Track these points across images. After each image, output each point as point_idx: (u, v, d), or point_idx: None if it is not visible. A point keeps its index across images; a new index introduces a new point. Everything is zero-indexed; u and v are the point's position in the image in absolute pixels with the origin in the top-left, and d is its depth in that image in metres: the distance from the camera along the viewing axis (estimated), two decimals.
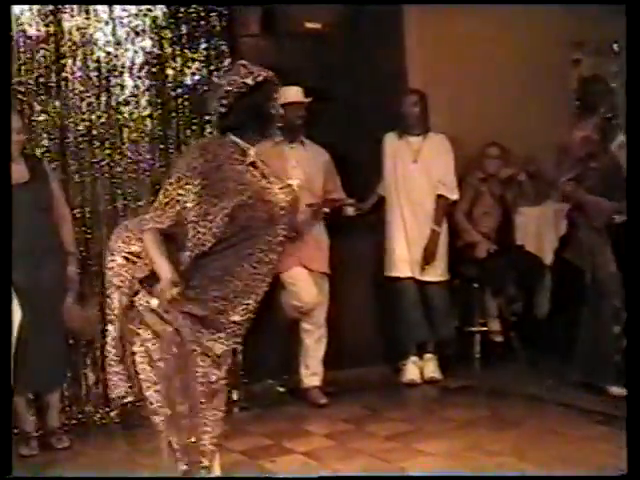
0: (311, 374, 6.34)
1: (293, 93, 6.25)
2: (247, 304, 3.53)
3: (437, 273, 6.74)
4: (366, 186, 6.82)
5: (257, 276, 3.52)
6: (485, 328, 7.06)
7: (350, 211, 6.58)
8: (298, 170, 6.26)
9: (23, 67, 6.07)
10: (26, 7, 6.04)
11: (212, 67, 6.49)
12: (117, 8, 6.25)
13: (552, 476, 4.57)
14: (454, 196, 6.77)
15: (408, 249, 6.69)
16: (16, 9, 5.94)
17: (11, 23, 3.40)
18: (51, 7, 6.11)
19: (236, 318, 3.53)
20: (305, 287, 6.21)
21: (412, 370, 6.69)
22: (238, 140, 3.62)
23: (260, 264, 3.52)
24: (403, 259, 6.69)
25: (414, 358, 6.72)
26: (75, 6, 6.15)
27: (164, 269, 3.43)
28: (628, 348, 5.15)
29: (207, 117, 6.29)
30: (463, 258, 6.96)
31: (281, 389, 6.63)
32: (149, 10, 6.34)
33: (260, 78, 3.58)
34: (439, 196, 6.70)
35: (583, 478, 4.45)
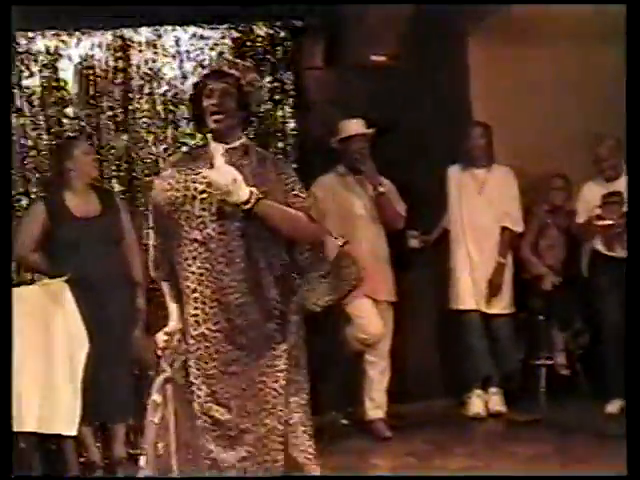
0: (375, 407, 6.31)
1: (355, 125, 6.28)
2: None
3: (502, 305, 6.69)
4: (431, 218, 6.81)
5: None
6: (551, 361, 6.97)
7: (415, 243, 6.61)
8: (362, 200, 6.29)
9: (92, 101, 6.19)
10: (96, 41, 6.18)
11: (276, 99, 6.54)
12: (184, 42, 6.35)
13: (552, 476, 4.47)
14: (519, 228, 6.73)
15: (473, 281, 6.65)
16: (87, 45, 6.07)
17: (11, 23, 3.45)
18: (120, 42, 6.23)
19: None
20: (371, 319, 6.20)
21: (477, 403, 6.63)
22: None
23: None
24: (468, 291, 6.65)
25: (479, 391, 6.67)
26: (144, 41, 6.26)
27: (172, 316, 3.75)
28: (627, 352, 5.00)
29: (272, 149, 6.35)
30: (529, 290, 6.90)
31: (345, 422, 6.60)
32: (215, 45, 6.42)
33: None
34: (504, 228, 6.66)
35: (583, 478, 4.35)
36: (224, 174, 3.49)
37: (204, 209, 3.57)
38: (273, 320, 3.61)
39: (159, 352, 3.61)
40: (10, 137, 3.29)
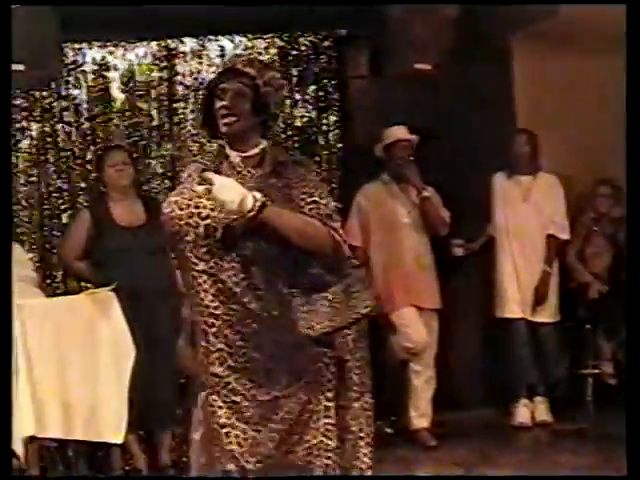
0: (420, 415, 6.29)
1: (398, 132, 6.31)
2: None
3: (548, 314, 6.65)
4: (476, 226, 6.78)
5: None
6: (598, 370, 6.91)
7: (459, 251, 6.59)
8: (407, 208, 6.29)
9: (137, 111, 6.25)
10: (141, 51, 6.25)
11: (321, 108, 6.56)
12: (229, 52, 6.39)
13: (552, 476, 4.42)
14: (565, 236, 6.69)
15: (519, 290, 6.61)
16: (133, 55, 6.13)
17: (11, 23, 3.44)
18: (165, 52, 6.29)
19: None
20: (416, 328, 6.19)
21: (523, 412, 6.59)
22: None
23: None
24: (514, 300, 6.62)
25: (525, 400, 6.62)
26: (189, 50, 6.30)
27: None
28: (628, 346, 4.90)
29: (316, 158, 6.37)
30: (575, 299, 6.84)
31: (389, 430, 6.59)
32: (260, 54, 6.44)
33: None
34: (550, 236, 6.62)
35: (583, 478, 4.28)
36: (228, 191, 3.06)
37: (209, 236, 3.17)
38: (306, 340, 3.19)
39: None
40: (10, 138, 3.27)
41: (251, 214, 3.05)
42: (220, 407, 3.21)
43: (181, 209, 3.20)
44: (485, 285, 6.82)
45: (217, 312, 3.19)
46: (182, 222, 3.18)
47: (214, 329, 3.21)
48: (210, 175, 3.10)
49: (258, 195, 3.07)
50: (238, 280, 3.17)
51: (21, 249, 5.85)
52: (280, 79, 3.35)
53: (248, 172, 3.26)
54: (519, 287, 6.62)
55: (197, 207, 3.18)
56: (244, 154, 3.29)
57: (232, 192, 3.04)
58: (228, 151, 3.32)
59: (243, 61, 3.31)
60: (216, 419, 3.20)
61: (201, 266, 3.21)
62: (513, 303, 6.62)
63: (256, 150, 3.29)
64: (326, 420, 3.23)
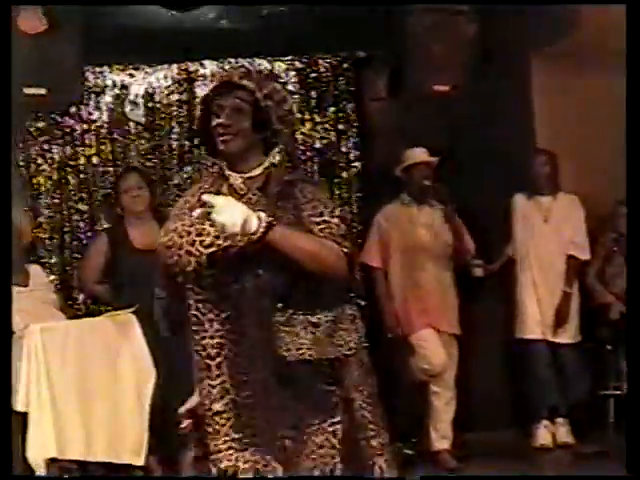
0: (441, 437, 6.26)
1: (418, 154, 6.31)
2: None
3: (569, 335, 6.61)
4: (495, 247, 6.77)
5: None
6: (619, 392, 6.86)
7: (479, 272, 6.55)
8: (427, 230, 6.29)
9: (157, 133, 6.29)
10: (161, 75, 6.28)
11: (340, 130, 6.57)
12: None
13: (552, 476, 4.37)
14: (585, 256, 6.66)
15: (539, 310, 6.59)
16: (153, 78, 6.17)
17: (11, 23, 3.44)
18: (185, 75, 6.33)
19: None
20: (435, 350, 6.17)
21: (544, 434, 6.55)
22: None
23: None
24: (534, 320, 6.59)
25: (546, 422, 6.58)
26: (209, 74, 6.34)
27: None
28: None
29: (336, 180, 6.38)
30: (596, 319, 6.81)
31: (410, 452, 6.56)
32: (278, 76, 6.46)
33: None
34: (570, 256, 6.60)
35: (583, 478, 4.23)
36: (229, 212, 2.79)
37: (213, 264, 2.92)
38: (315, 370, 2.96)
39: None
40: (10, 141, 3.28)
41: (256, 236, 2.80)
42: (219, 450, 3.02)
43: (181, 236, 2.95)
44: (505, 306, 6.80)
45: (221, 343, 2.97)
46: (182, 251, 2.93)
47: (218, 360, 2.99)
48: (208, 197, 2.81)
49: (263, 215, 2.82)
50: (245, 311, 2.94)
51: (41, 271, 5.87)
52: (282, 91, 3.08)
53: (253, 195, 3.01)
54: (539, 308, 6.59)
55: (199, 234, 2.92)
56: (246, 175, 3.04)
57: (234, 213, 2.77)
58: (228, 172, 3.07)
59: (240, 73, 3.06)
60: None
61: (204, 296, 2.98)
62: (533, 324, 6.59)
63: (259, 170, 3.05)
64: (336, 460, 2.99)
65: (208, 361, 3.01)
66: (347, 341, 2.97)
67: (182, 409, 3.24)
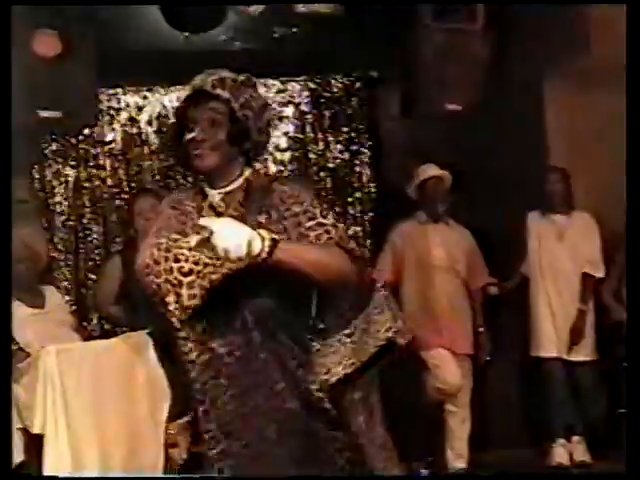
0: (456, 456, 6.24)
1: (430, 169, 6.31)
2: None
3: (585, 353, 6.58)
4: (510, 265, 6.74)
5: None
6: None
7: (493, 290, 6.54)
8: (442, 250, 6.27)
9: (171, 152, 6.30)
10: (174, 97, 6.30)
11: (353, 150, 6.58)
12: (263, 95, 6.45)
13: (552, 475, 4.32)
14: (600, 274, 6.63)
15: (554, 329, 6.55)
16: (166, 99, 6.19)
17: (11, 23, 3.43)
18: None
19: None
20: (450, 369, 6.15)
21: (560, 453, 6.50)
22: None
23: None
24: (549, 339, 6.55)
25: (562, 440, 6.53)
26: None
27: None
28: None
29: (349, 199, 6.39)
30: (611, 337, 6.77)
31: (425, 472, 6.53)
32: (292, 97, 6.50)
33: None
34: (585, 274, 6.57)
35: (583, 478, 4.19)
36: (232, 234, 2.49)
37: (194, 296, 2.60)
38: (317, 407, 2.69)
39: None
40: (10, 140, 3.28)
41: (262, 257, 2.51)
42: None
43: (157, 263, 2.63)
44: (520, 324, 6.77)
45: (206, 387, 2.66)
46: (160, 280, 2.62)
47: (204, 407, 2.69)
48: (206, 221, 2.52)
49: (264, 232, 2.54)
50: (234, 347, 2.65)
51: (57, 292, 5.88)
52: (260, 99, 2.81)
53: (234, 211, 2.72)
54: (554, 326, 6.55)
55: (177, 260, 2.62)
56: (224, 190, 2.76)
57: (237, 235, 2.49)
58: (207, 189, 2.79)
59: (213, 81, 2.74)
60: None
61: (185, 332, 2.67)
62: (548, 342, 6.55)
63: (237, 183, 2.77)
64: None
65: (195, 405, 2.74)
66: (384, 324, 2.72)
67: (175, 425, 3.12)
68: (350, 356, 2.66)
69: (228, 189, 2.77)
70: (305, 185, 2.89)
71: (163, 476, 3.65)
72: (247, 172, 2.79)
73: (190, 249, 2.54)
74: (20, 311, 5.28)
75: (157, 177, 6.57)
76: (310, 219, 2.70)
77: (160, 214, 2.84)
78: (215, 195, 2.77)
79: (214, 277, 2.60)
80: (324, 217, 2.72)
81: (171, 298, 2.61)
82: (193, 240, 2.50)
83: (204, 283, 2.60)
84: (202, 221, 2.54)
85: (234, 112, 2.71)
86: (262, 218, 2.67)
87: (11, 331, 4.29)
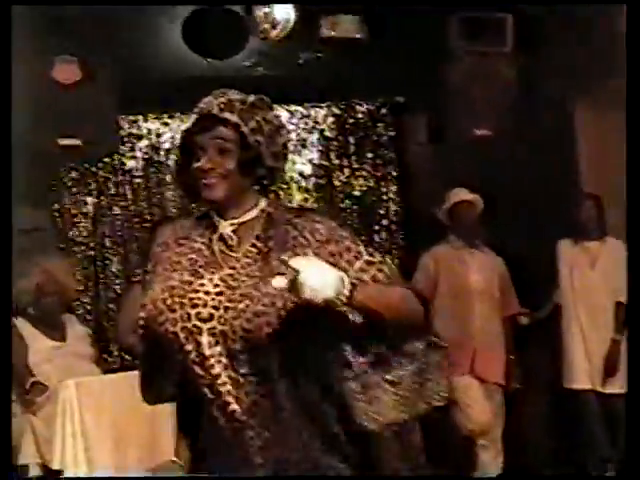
0: None
1: (461, 193, 6.22)
2: None
3: (620, 385, 6.38)
4: (541, 294, 6.60)
5: None
6: None
7: (524, 320, 6.43)
8: (480, 275, 6.19)
9: (178, 182, 6.22)
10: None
11: (379, 176, 6.49)
12: (284, 121, 6.37)
13: (552, 475, 4.16)
14: None
15: (587, 359, 6.38)
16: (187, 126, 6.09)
17: (11, 23, 3.35)
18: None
19: None
20: (480, 407, 6.00)
21: None
22: None
23: None
24: (582, 370, 6.38)
25: (597, 474, 6.37)
26: None
27: None
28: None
29: (376, 227, 6.29)
30: None
31: None
32: (316, 122, 6.42)
33: None
34: (619, 303, 6.41)
35: (583, 477, 4.00)
36: (319, 274, 2.28)
37: (217, 342, 2.36)
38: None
39: None
40: (10, 140, 3.20)
41: (344, 299, 2.29)
42: None
43: (172, 310, 2.40)
44: (552, 355, 6.61)
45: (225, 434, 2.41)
46: (176, 329, 2.39)
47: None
48: (292, 261, 2.29)
49: (342, 273, 2.33)
50: (244, 397, 2.38)
51: (78, 324, 5.82)
52: (274, 121, 2.53)
53: (251, 247, 2.47)
54: (587, 357, 6.38)
55: (194, 306, 2.39)
56: (237, 220, 2.49)
57: (324, 274, 2.28)
58: (217, 220, 2.52)
59: (220, 104, 2.48)
60: None
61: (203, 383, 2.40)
62: (582, 373, 6.38)
63: (254, 213, 2.50)
64: None
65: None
66: (437, 391, 2.53)
67: None
68: (398, 408, 2.47)
69: (241, 220, 2.50)
70: (336, 220, 2.61)
71: (163, 476, 3.55)
72: (263, 202, 2.53)
73: (285, 290, 2.28)
74: (41, 344, 5.32)
75: (179, 206, 6.46)
76: (357, 258, 2.45)
77: (166, 250, 2.56)
78: (227, 226, 2.49)
79: (236, 322, 2.35)
80: (370, 255, 2.49)
81: (190, 346, 2.37)
82: (278, 282, 2.29)
83: (228, 328, 2.36)
84: (291, 262, 2.29)
85: (244, 137, 2.46)
86: (287, 256, 2.34)
87: (11, 332, 4.20)
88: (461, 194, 6.24)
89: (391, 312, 2.38)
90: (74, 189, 6.35)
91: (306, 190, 6.42)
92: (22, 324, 5.40)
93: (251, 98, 2.52)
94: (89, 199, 6.44)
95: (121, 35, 5.81)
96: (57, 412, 4.84)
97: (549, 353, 6.68)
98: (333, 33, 6.04)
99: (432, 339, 2.55)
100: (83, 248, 6.42)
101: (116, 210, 6.45)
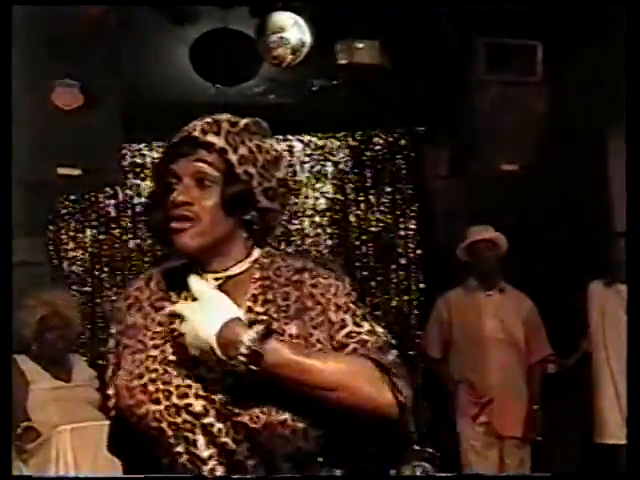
0: None
1: (482, 231, 5.98)
2: None
3: None
4: (570, 340, 6.29)
5: None
6: None
7: (552, 368, 6.17)
8: (496, 321, 5.89)
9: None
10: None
11: (398, 212, 6.26)
12: (297, 152, 6.22)
13: (553, 475, 4.35)
14: None
15: (620, 412, 6.02)
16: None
17: (12, 23, 3.13)
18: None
19: None
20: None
21: None
22: None
23: None
24: (615, 424, 6.02)
25: None
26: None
27: None
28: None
29: (393, 266, 6.04)
30: None
31: None
32: (331, 154, 6.21)
33: None
34: None
35: (583, 477, 4.23)
36: (205, 317, 1.84)
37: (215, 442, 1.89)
38: None
39: None
40: (10, 140, 2.97)
41: (240, 359, 1.80)
42: None
43: (157, 402, 1.88)
44: (582, 406, 6.28)
45: None
46: (162, 425, 1.88)
47: None
48: (179, 307, 1.89)
49: (256, 329, 1.82)
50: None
51: (84, 364, 5.57)
52: (270, 150, 2.02)
53: (239, 307, 1.93)
54: (621, 409, 6.02)
55: (184, 395, 1.86)
56: (223, 274, 1.96)
57: (210, 314, 1.83)
58: (199, 274, 1.97)
59: (203, 125, 1.96)
60: None
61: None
62: (615, 428, 6.01)
63: (244, 265, 1.98)
64: None
65: None
66: None
67: None
68: None
69: (228, 274, 1.96)
70: (340, 277, 2.07)
71: (163, 476, 3.28)
72: (256, 253, 2.00)
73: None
74: (44, 383, 5.12)
75: None
76: (342, 326, 1.95)
77: (138, 313, 2.02)
78: (212, 280, 1.95)
79: (238, 417, 1.86)
80: (357, 325, 1.96)
81: (181, 448, 1.87)
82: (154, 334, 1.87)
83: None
84: (177, 307, 1.89)
85: (231, 167, 1.92)
86: (294, 327, 1.91)
87: (11, 335, 3.92)
88: (483, 232, 5.99)
89: (330, 392, 1.84)
90: (71, 221, 6.10)
91: (319, 226, 6.18)
92: (24, 361, 5.16)
93: (244, 120, 2.00)
94: (87, 231, 6.19)
95: (125, 59, 5.57)
96: (50, 459, 4.76)
97: (578, 405, 6.39)
98: (350, 59, 5.79)
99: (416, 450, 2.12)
100: (79, 285, 6.15)
101: (117, 243, 6.19)
